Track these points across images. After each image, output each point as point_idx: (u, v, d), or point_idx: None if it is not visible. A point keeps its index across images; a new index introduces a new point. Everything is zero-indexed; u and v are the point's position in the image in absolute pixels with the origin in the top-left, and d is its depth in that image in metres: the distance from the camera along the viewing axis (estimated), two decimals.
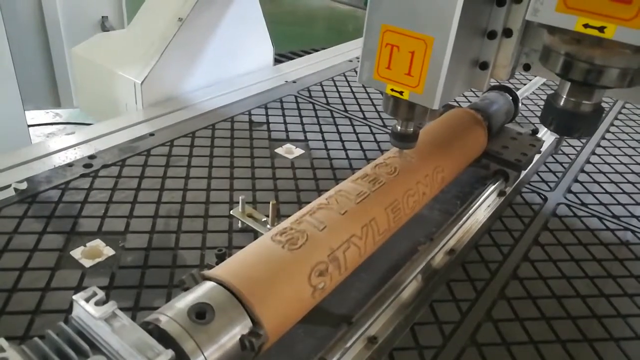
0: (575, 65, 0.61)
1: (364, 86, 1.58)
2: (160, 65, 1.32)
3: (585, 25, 0.54)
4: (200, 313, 0.53)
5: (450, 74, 0.62)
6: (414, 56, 0.63)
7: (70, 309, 0.52)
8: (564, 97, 0.69)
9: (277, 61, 1.74)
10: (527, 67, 0.74)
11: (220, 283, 0.57)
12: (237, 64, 1.57)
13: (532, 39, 0.69)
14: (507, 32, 0.68)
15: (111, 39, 1.54)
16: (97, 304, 0.51)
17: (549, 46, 0.64)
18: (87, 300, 0.51)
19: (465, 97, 1.57)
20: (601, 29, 0.54)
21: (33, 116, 2.41)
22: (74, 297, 0.51)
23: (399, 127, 0.76)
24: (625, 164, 1.30)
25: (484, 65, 0.70)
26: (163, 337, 0.51)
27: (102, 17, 2.16)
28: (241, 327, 0.54)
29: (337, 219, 0.69)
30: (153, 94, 1.34)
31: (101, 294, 0.51)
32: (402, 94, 0.66)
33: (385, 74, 0.66)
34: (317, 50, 1.94)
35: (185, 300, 0.54)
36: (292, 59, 1.83)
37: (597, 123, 0.72)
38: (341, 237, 0.68)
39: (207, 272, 0.59)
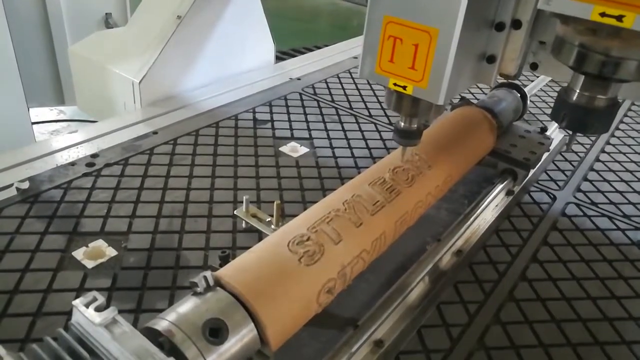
0: (590, 57, 0.58)
1: (369, 83, 1.56)
2: (159, 63, 1.31)
3: (602, 14, 0.51)
4: (214, 330, 0.52)
5: (456, 67, 0.59)
6: (418, 49, 0.59)
7: (72, 311, 0.51)
8: (577, 91, 0.65)
9: (278, 59, 1.72)
10: (534, 66, 0.71)
11: (233, 294, 0.55)
12: (237, 61, 1.55)
13: (542, 30, 0.66)
14: (516, 24, 0.64)
15: (109, 37, 1.52)
16: (97, 309, 0.50)
17: (562, 37, 0.61)
18: (87, 305, 0.50)
19: (473, 94, 1.55)
20: (619, 18, 0.50)
21: (37, 113, 2.40)
22: (74, 302, 0.50)
23: (402, 124, 0.72)
24: (635, 162, 1.28)
25: (491, 59, 0.67)
26: (172, 350, 0.49)
27: (106, 13, 2.14)
28: (251, 349, 0.54)
29: (352, 232, 0.68)
30: (151, 93, 1.32)
31: (101, 300, 0.50)
32: (405, 89, 0.62)
33: (387, 67, 0.63)
34: (319, 47, 1.91)
35: (198, 312, 0.52)
36: (294, 56, 1.81)
37: (612, 119, 0.69)
38: (353, 252, 0.67)
39: (220, 277, 0.57)
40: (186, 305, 0.53)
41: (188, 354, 0.49)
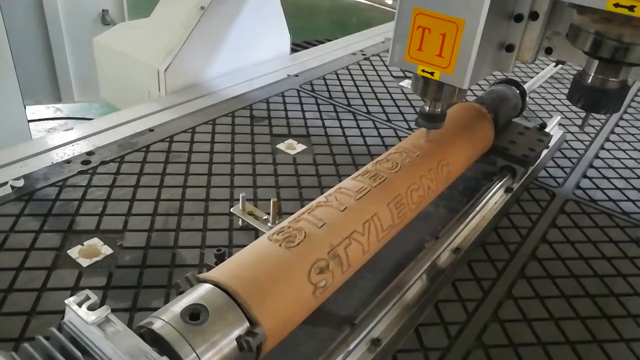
0: (604, 43, 0.64)
1: (367, 80, 1.55)
2: (183, 53, 1.35)
3: (616, 5, 0.56)
4: (194, 314, 0.51)
5: (480, 55, 0.65)
6: (445, 38, 0.65)
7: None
8: (592, 74, 0.71)
9: (293, 50, 1.75)
10: (549, 51, 0.75)
11: (215, 284, 0.55)
12: (256, 52, 1.58)
13: (557, 21, 0.72)
14: (533, 15, 0.70)
15: (133, 28, 1.55)
16: (90, 308, 0.49)
17: (578, 26, 0.66)
18: (80, 304, 0.49)
19: (472, 90, 1.54)
20: (631, 8, 0.55)
21: (34, 111, 2.40)
22: (66, 301, 0.49)
23: (427, 108, 0.78)
24: (635, 159, 1.27)
25: (510, 48, 0.73)
26: (156, 341, 0.49)
27: (103, 10, 2.13)
28: (238, 328, 0.53)
29: (336, 215, 0.67)
30: (176, 81, 1.37)
31: (94, 298, 0.50)
32: (432, 75, 0.68)
33: (416, 55, 0.68)
34: (321, 43, 1.91)
35: (179, 303, 0.52)
36: (295, 51, 1.80)
37: (623, 100, 0.74)
38: (341, 233, 0.66)
39: (202, 275, 0.57)
40: (169, 303, 0.53)
41: (168, 337, 0.48)
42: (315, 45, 1.95)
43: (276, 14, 1.62)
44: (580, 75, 0.73)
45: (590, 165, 1.22)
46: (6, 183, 0.94)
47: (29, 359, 0.47)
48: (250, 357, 0.54)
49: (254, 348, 0.52)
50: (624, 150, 1.31)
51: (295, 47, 2.01)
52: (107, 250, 0.83)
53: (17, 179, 0.96)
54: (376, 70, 1.63)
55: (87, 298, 0.50)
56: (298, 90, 1.44)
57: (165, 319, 0.50)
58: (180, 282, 0.56)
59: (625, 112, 1.52)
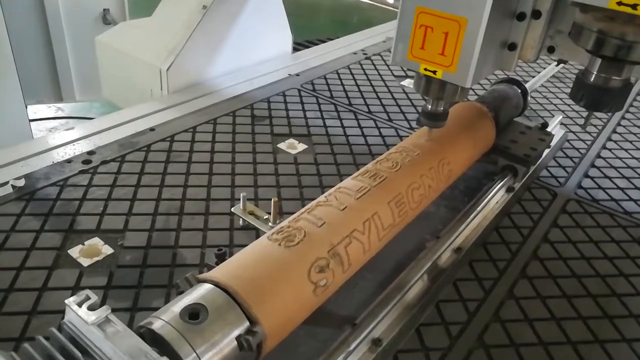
0: (607, 42, 0.64)
1: (368, 79, 1.55)
2: (186, 52, 1.36)
3: (619, 3, 0.56)
4: (194, 314, 0.51)
5: (482, 54, 0.65)
6: (448, 37, 0.65)
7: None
8: (595, 73, 0.71)
9: (294, 50, 1.75)
10: (551, 50, 0.76)
11: (215, 284, 0.55)
12: (258, 51, 1.58)
13: (560, 19, 0.72)
14: (536, 14, 0.70)
15: (135, 27, 1.56)
16: (90, 308, 0.49)
17: (581, 24, 0.67)
18: (80, 304, 0.49)
19: (473, 90, 1.53)
20: (634, 7, 0.56)
21: (35, 110, 2.40)
22: (67, 301, 0.49)
23: (429, 107, 0.79)
24: (637, 159, 1.27)
25: (512, 47, 0.73)
26: (156, 341, 0.49)
27: (104, 9, 2.13)
28: (238, 327, 0.53)
29: (336, 214, 0.67)
30: (178, 80, 1.37)
31: (94, 298, 0.50)
32: (435, 74, 0.69)
33: (418, 54, 0.69)
34: (322, 42, 1.90)
35: (179, 303, 0.52)
36: (297, 50, 1.80)
37: (626, 98, 0.75)
38: (341, 232, 0.66)
39: (201, 275, 0.57)
40: (169, 303, 0.53)
41: (168, 337, 0.48)
42: (316, 44, 1.95)
43: (278, 13, 1.63)
44: (582, 73, 0.73)
45: (592, 165, 1.22)
46: (7, 182, 0.94)
47: (29, 359, 0.47)
48: (251, 356, 0.54)
49: (254, 347, 0.52)
50: (626, 150, 1.30)
51: (297, 46, 2.01)
52: (107, 249, 0.83)
53: (18, 178, 0.96)
54: (377, 70, 1.62)
55: (87, 298, 0.50)
56: (299, 90, 1.44)
57: (165, 318, 0.50)
58: (180, 283, 0.56)
59: (627, 111, 1.51)
